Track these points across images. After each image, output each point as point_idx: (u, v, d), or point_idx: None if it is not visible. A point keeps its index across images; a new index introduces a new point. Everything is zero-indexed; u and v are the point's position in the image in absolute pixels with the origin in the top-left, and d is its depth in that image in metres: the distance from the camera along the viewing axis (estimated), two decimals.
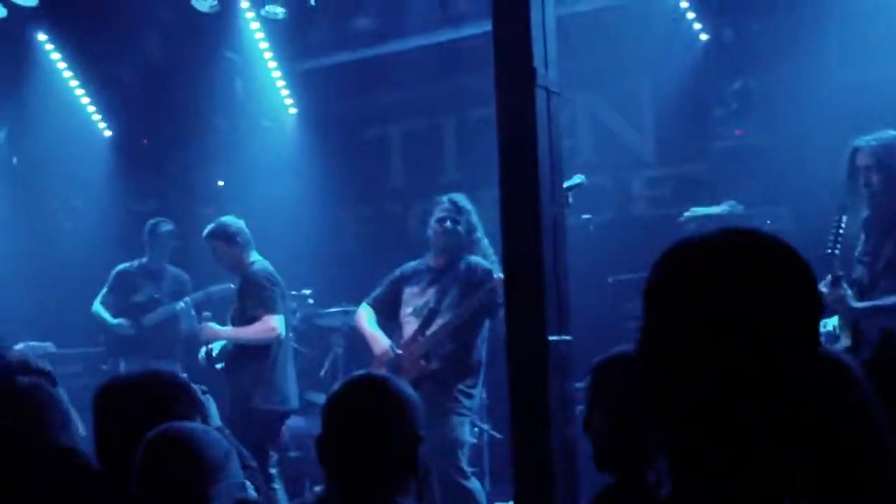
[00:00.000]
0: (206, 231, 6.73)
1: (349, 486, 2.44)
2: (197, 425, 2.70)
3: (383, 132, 9.40)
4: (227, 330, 6.56)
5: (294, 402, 6.56)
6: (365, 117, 9.28)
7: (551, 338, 3.67)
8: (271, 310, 6.36)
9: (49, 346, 7.90)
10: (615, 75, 7.95)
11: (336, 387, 2.61)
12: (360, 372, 2.74)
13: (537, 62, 3.77)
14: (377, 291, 6.47)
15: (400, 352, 6.10)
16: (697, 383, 1.30)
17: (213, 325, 6.59)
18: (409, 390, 2.58)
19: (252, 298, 6.43)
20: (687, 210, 7.09)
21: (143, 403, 2.85)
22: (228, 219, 6.73)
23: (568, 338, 3.78)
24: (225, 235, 6.61)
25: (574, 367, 3.81)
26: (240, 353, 6.45)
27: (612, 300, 7.39)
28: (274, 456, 6.35)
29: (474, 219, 6.27)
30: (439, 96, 8.88)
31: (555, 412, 3.69)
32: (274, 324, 6.35)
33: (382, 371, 4.94)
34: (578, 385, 3.27)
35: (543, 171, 3.74)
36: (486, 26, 7.61)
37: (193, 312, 7.63)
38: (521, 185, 3.74)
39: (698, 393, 1.30)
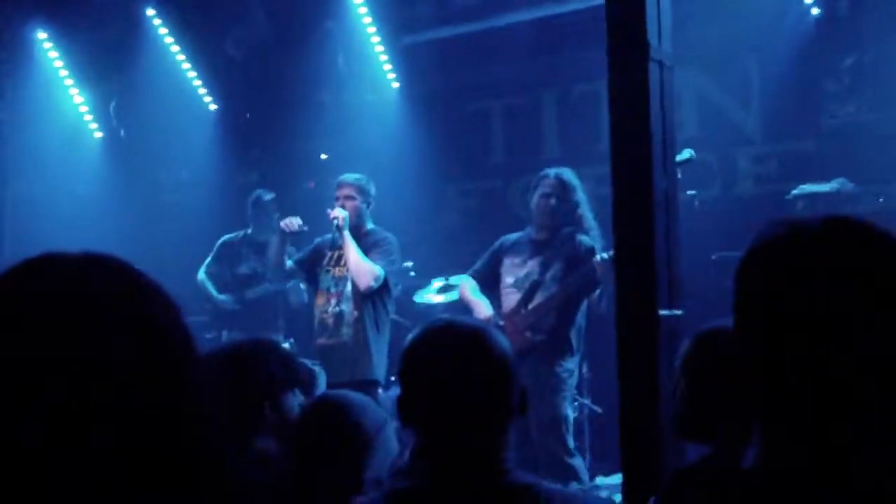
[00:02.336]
0: (347, 177, 6.81)
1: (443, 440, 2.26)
2: (353, 394, 2.78)
3: (485, 107, 9.38)
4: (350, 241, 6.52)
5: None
6: (467, 92, 9.28)
7: (662, 312, 3.64)
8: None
9: None
10: (722, 49, 7.81)
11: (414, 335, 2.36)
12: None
13: (651, 35, 3.72)
14: (479, 263, 6.50)
15: (502, 322, 6.10)
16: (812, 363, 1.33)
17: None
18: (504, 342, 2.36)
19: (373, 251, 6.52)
20: (794, 188, 6.95)
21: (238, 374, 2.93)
22: None
23: (679, 312, 3.74)
24: (365, 189, 6.76)
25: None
26: None
27: (715, 277, 7.30)
28: None
29: (580, 194, 6.24)
30: (541, 71, 8.83)
31: (664, 388, 3.66)
32: (379, 272, 6.41)
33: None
34: None
35: (656, 146, 3.70)
36: (590, 1, 7.62)
37: (303, 286, 7.72)
38: (633, 160, 3.71)
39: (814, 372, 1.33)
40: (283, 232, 6.69)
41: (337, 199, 6.68)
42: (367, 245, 6.53)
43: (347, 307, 6.49)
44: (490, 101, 9.32)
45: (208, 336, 8.02)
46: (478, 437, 2.21)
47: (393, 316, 7.26)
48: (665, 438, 3.57)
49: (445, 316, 2.58)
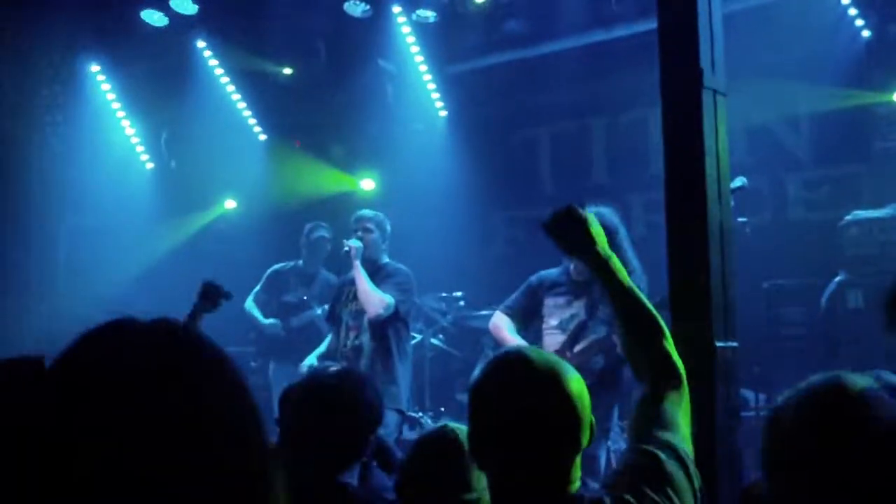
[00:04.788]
0: (366, 212, 6.95)
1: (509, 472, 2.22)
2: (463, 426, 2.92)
3: (533, 135, 9.39)
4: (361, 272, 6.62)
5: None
6: (514, 120, 9.29)
7: (718, 344, 3.60)
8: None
9: None
10: (771, 73, 7.75)
11: (485, 368, 2.32)
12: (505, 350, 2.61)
13: (704, 63, 3.70)
14: (513, 299, 6.28)
15: None
16: None
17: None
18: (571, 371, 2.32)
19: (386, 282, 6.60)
20: (846, 213, 6.87)
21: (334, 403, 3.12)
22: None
23: (734, 344, 3.70)
24: (383, 225, 6.85)
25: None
26: None
27: (767, 306, 7.22)
28: None
29: (620, 235, 6.00)
30: (589, 98, 8.81)
31: (720, 420, 3.62)
32: (389, 301, 6.48)
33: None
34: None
35: (710, 175, 3.67)
36: (638, 27, 7.63)
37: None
38: (687, 190, 3.68)
39: None
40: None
41: (355, 231, 6.81)
42: (381, 277, 6.64)
43: (366, 339, 6.57)
44: (538, 128, 9.33)
45: (254, 364, 8.05)
46: (550, 473, 2.17)
47: (441, 344, 7.27)
48: (721, 472, 3.52)
49: (515, 347, 2.56)
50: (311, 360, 6.68)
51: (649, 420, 2.40)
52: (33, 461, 1.08)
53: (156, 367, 1.15)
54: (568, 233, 2.70)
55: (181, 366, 1.17)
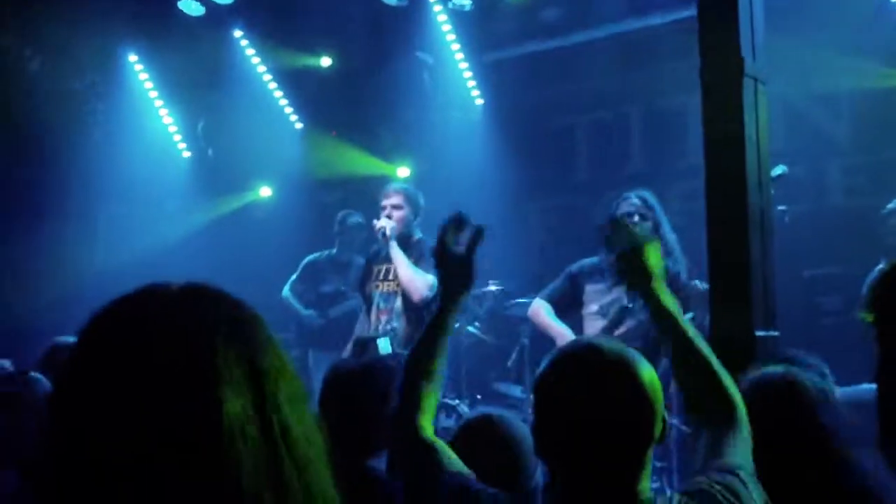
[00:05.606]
0: (394, 185, 6.69)
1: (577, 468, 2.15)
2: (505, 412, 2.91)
3: (569, 123, 9.34)
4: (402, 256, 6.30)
5: None
6: (550, 108, 9.25)
7: (758, 333, 3.59)
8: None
9: None
10: (810, 58, 7.66)
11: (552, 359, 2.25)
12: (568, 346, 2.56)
13: (745, 51, 3.67)
14: (553, 287, 6.28)
15: None
16: None
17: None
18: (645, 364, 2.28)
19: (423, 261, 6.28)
20: (887, 199, 6.79)
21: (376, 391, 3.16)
22: None
23: (775, 333, 3.68)
24: (414, 198, 6.55)
25: None
26: None
27: (806, 295, 7.17)
28: None
29: (662, 218, 6.07)
30: (626, 86, 8.76)
31: None
32: (432, 281, 6.11)
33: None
34: None
35: (751, 164, 3.65)
36: (674, 15, 7.56)
37: None
38: (727, 178, 3.66)
39: None
40: None
41: (383, 208, 6.46)
42: (417, 255, 6.30)
43: (399, 324, 6.33)
44: (574, 116, 9.28)
45: (294, 353, 8.08)
46: (619, 470, 2.09)
47: (477, 332, 7.25)
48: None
49: (586, 338, 2.52)
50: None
51: (708, 452, 2.29)
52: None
53: (188, 328, 1.16)
54: (627, 260, 2.54)
55: (215, 325, 1.17)
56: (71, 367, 1.15)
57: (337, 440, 3.04)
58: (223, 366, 1.13)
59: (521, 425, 2.84)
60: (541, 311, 6.22)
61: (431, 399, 2.56)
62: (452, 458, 2.43)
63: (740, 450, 2.28)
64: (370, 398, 3.17)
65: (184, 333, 1.15)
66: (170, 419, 1.08)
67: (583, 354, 2.16)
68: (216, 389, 1.11)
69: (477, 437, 2.81)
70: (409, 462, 2.48)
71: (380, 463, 3.15)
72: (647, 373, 2.15)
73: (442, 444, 2.48)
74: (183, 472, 1.07)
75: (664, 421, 2.15)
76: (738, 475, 2.17)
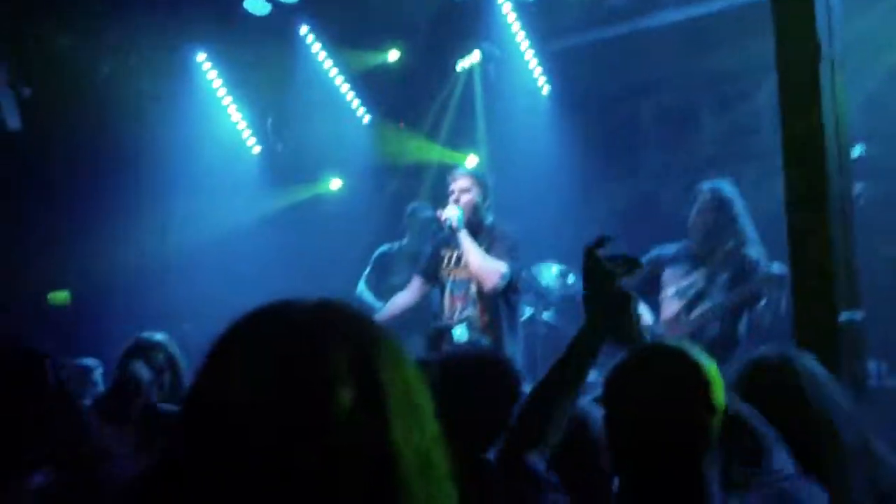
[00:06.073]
0: (461, 169, 6.56)
1: (643, 459, 2.23)
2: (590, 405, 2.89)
3: (637, 108, 9.29)
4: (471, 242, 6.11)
5: None
6: (618, 94, 9.21)
7: (842, 316, 3.56)
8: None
9: None
10: (883, 34, 7.52)
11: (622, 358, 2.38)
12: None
13: (821, 34, 3.64)
14: None
15: (662, 330, 6.00)
16: None
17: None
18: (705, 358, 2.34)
19: (495, 247, 6.13)
20: None
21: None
22: None
23: (859, 315, 3.65)
24: (482, 180, 6.37)
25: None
26: None
27: (885, 278, 7.05)
28: None
29: (738, 207, 6.02)
30: (694, 70, 8.69)
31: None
32: (505, 269, 5.99)
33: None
34: None
35: (830, 147, 3.63)
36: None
37: None
38: (806, 162, 3.64)
39: None
40: None
41: (451, 192, 6.27)
42: (488, 242, 6.12)
43: (474, 311, 6.16)
44: (642, 102, 9.24)
45: None
46: (686, 468, 2.15)
47: (550, 320, 7.25)
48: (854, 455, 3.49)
49: (658, 340, 2.55)
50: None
51: None
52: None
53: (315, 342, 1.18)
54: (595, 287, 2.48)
55: (346, 341, 1.19)
56: (205, 377, 1.20)
57: (450, 431, 3.02)
58: (351, 381, 1.16)
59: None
60: None
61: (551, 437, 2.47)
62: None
63: None
64: (483, 387, 3.13)
65: (316, 348, 1.17)
66: (297, 429, 1.12)
67: (647, 353, 2.29)
68: (346, 408, 1.14)
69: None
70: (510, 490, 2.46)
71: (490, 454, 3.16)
72: (713, 371, 2.21)
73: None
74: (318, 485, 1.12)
75: (726, 415, 2.20)
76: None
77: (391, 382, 1.18)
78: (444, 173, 9.28)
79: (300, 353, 1.16)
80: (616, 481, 2.37)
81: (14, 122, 8.03)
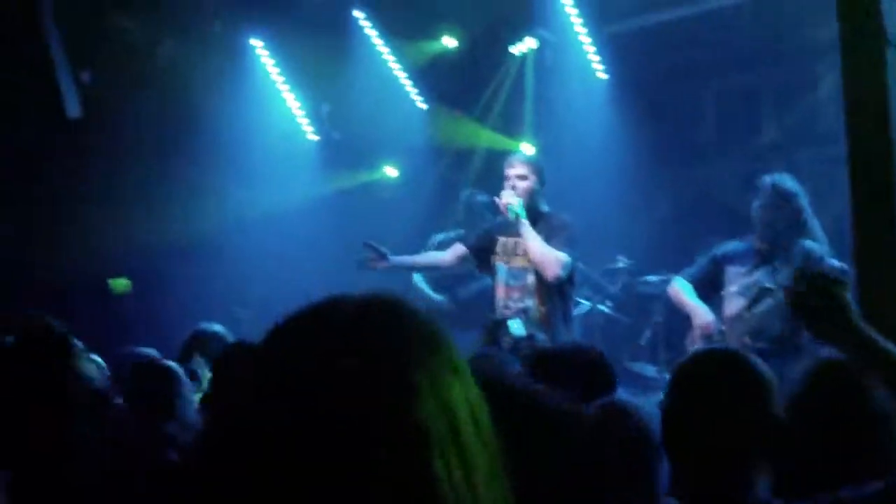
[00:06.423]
0: (518, 156, 6.44)
1: (698, 464, 2.27)
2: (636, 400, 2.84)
3: (696, 93, 9.16)
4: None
5: None
6: (676, 78, 9.06)
7: None
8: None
9: None
10: None
11: (685, 359, 2.46)
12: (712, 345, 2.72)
13: (889, 18, 3.52)
14: (695, 268, 6.15)
15: (724, 327, 5.89)
16: None
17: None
18: (766, 368, 2.39)
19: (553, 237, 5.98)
20: None
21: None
22: None
23: None
24: (539, 168, 6.20)
25: None
26: None
27: None
28: None
29: (801, 201, 5.85)
30: (754, 53, 8.54)
31: None
32: (566, 259, 5.87)
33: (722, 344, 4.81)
34: None
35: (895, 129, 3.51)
36: None
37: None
38: (871, 150, 3.52)
39: None
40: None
41: (507, 178, 6.10)
42: (547, 231, 5.97)
43: (532, 302, 6.00)
44: (701, 86, 9.10)
45: None
46: (738, 471, 2.20)
47: (608, 311, 7.18)
48: None
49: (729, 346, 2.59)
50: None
51: None
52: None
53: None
54: (822, 314, 2.47)
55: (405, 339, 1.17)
56: (257, 373, 1.16)
57: None
58: (417, 380, 1.13)
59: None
60: (680, 289, 6.11)
61: None
62: None
63: None
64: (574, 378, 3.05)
65: (374, 346, 1.15)
66: (360, 429, 1.09)
67: (719, 356, 2.38)
68: (411, 402, 1.11)
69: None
70: None
71: None
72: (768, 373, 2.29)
73: None
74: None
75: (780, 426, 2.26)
76: None
77: (436, 385, 1.15)
78: (497, 160, 9.26)
79: (342, 356, 1.13)
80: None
81: (74, 109, 8.08)
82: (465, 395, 1.17)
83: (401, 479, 1.08)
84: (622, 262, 7.51)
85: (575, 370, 3.13)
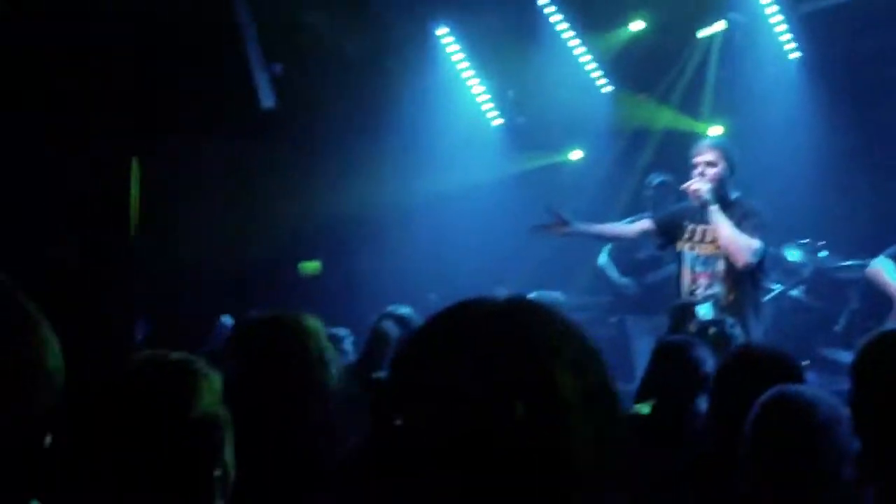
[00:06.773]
0: (707, 141, 6.34)
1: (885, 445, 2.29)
2: (808, 388, 2.77)
3: None
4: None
5: None
6: (878, 56, 8.64)
7: None
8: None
9: (559, 294, 8.22)
10: None
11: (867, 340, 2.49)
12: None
13: None
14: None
15: None
16: None
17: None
18: None
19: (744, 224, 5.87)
20: None
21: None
22: None
23: None
24: (729, 154, 6.08)
25: None
26: None
27: None
28: None
29: None
30: None
31: None
32: (757, 246, 5.75)
33: None
34: None
35: None
36: None
37: None
38: None
39: None
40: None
41: (695, 166, 6.00)
42: (735, 217, 5.85)
43: (721, 290, 5.89)
44: None
45: (612, 320, 8.06)
46: None
47: (801, 297, 6.98)
48: None
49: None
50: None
51: None
52: None
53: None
54: None
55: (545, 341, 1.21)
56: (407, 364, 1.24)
57: None
58: (557, 377, 1.18)
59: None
60: (881, 271, 5.88)
61: None
62: None
63: None
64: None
65: (494, 356, 1.19)
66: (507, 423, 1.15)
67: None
68: (520, 417, 1.15)
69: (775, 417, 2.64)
70: None
71: None
72: None
73: None
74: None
75: None
76: None
77: (571, 390, 1.18)
78: (688, 142, 9.09)
79: (479, 358, 1.18)
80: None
81: (268, 100, 8.35)
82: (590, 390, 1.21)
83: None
84: (815, 247, 7.27)
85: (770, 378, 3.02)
